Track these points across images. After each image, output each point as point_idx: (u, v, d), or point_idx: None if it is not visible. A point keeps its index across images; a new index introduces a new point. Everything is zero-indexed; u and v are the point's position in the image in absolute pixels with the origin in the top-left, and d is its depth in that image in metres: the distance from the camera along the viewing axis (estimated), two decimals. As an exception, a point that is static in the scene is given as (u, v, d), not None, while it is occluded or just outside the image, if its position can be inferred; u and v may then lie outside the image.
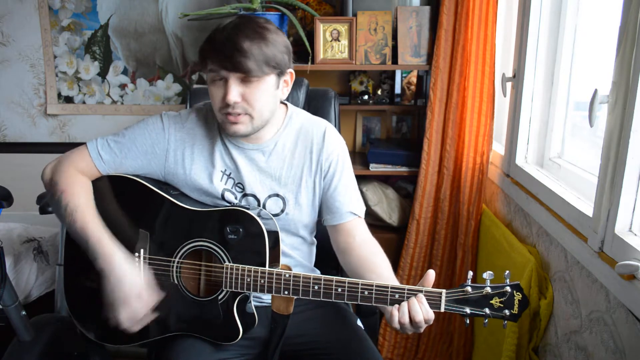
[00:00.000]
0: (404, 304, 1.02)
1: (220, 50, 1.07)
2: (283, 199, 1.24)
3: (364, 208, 1.29)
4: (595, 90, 1.13)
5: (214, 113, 1.20)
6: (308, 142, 1.24)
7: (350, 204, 1.25)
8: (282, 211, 1.23)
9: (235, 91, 1.09)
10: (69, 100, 2.69)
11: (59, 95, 2.68)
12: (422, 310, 1.01)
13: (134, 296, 1.09)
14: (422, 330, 1.03)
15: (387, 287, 1.03)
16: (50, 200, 1.21)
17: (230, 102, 1.09)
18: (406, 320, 1.02)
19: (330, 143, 1.25)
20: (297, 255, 1.29)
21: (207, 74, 1.12)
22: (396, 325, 1.03)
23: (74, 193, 1.16)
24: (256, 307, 1.17)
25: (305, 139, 1.25)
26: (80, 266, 1.24)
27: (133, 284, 1.10)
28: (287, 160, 1.23)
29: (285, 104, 1.29)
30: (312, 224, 1.29)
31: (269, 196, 1.23)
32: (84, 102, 2.69)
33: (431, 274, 1.03)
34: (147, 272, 1.16)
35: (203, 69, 1.13)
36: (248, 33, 1.08)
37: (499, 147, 1.98)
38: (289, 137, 1.24)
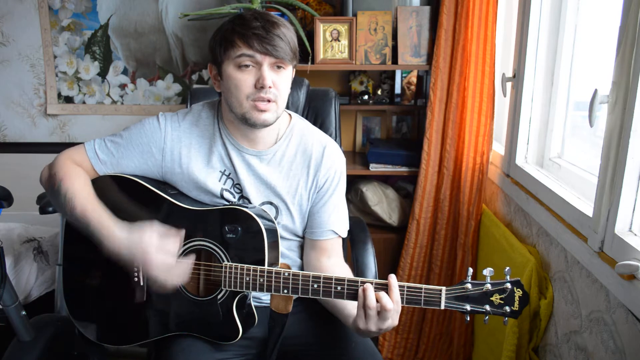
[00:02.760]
0: (372, 296, 1.00)
1: (260, 34, 1.08)
2: (276, 207, 1.24)
3: (346, 229, 1.29)
4: (595, 90, 1.13)
5: (222, 114, 1.22)
6: (307, 157, 1.24)
7: (334, 223, 1.25)
8: (275, 219, 1.24)
9: (270, 75, 1.10)
10: (69, 100, 2.69)
11: (59, 95, 2.68)
12: (383, 300, 1.00)
13: (153, 249, 1.04)
14: (388, 323, 1.02)
15: (386, 285, 1.03)
16: (50, 193, 1.19)
17: (267, 85, 1.09)
18: (374, 309, 1.01)
19: (328, 160, 1.24)
20: (290, 254, 1.30)
21: (233, 60, 1.10)
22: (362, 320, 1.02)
23: (72, 180, 1.15)
24: (255, 307, 1.17)
25: (304, 153, 1.24)
26: (79, 266, 1.24)
27: (146, 247, 1.05)
28: (285, 172, 1.23)
29: (290, 114, 1.29)
30: (302, 232, 1.29)
31: (263, 203, 1.23)
32: (84, 102, 2.69)
33: (391, 277, 1.02)
34: (157, 225, 1.10)
35: (225, 55, 1.11)
36: (279, 21, 1.11)
37: (499, 147, 1.98)
38: (289, 148, 1.24)
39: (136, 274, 1.18)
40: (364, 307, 1.01)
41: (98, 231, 1.09)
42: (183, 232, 1.11)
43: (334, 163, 1.26)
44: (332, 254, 1.26)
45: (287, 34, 1.11)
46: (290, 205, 1.24)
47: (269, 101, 1.11)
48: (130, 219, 1.17)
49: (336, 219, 1.26)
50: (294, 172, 1.24)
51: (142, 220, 1.09)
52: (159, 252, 1.05)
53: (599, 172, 1.14)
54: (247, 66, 1.10)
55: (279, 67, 1.12)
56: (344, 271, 1.25)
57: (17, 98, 2.70)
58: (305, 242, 1.29)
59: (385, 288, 1.02)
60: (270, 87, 1.10)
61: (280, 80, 1.13)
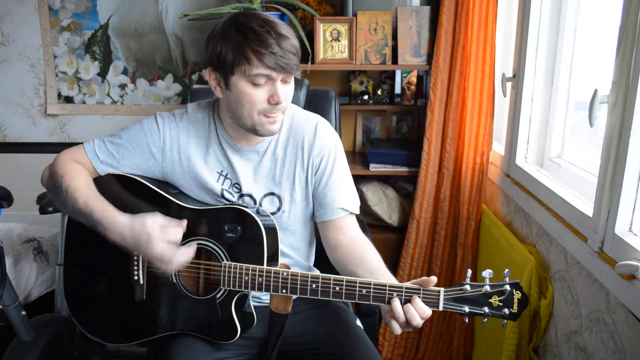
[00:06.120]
0: (400, 311, 1.01)
1: (277, 52, 1.07)
2: (279, 197, 1.24)
3: (357, 204, 1.28)
4: (595, 90, 1.13)
5: (219, 114, 1.23)
6: (299, 138, 1.24)
7: (341, 200, 1.24)
8: (279, 209, 1.24)
9: (282, 90, 1.11)
10: (69, 100, 2.69)
11: (59, 95, 2.68)
12: (418, 312, 1.00)
13: (156, 233, 1.05)
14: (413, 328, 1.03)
15: (385, 286, 1.03)
16: (52, 191, 1.20)
17: (282, 101, 1.11)
18: (404, 326, 1.02)
19: (321, 138, 1.24)
20: (295, 255, 1.29)
21: (247, 76, 1.08)
22: (396, 332, 1.03)
23: (73, 176, 1.17)
24: (255, 307, 1.17)
25: (296, 135, 1.24)
26: (80, 266, 1.24)
27: (148, 227, 1.06)
28: (280, 159, 1.24)
29: None
30: (309, 219, 1.29)
31: (265, 195, 1.24)
32: (84, 102, 2.69)
33: (433, 280, 1.02)
34: (159, 215, 1.10)
35: (238, 68, 1.08)
36: (287, 33, 1.10)
37: (499, 147, 1.98)
38: (281, 134, 1.24)
39: (136, 273, 1.18)
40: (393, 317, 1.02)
41: (101, 219, 1.10)
42: (185, 222, 1.12)
43: (327, 141, 1.25)
44: (348, 230, 1.24)
45: (296, 45, 1.11)
46: (292, 191, 1.24)
47: (277, 113, 1.13)
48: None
49: (343, 196, 1.24)
50: (289, 157, 1.24)
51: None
52: (162, 240, 1.06)
53: (599, 172, 1.14)
54: (261, 83, 1.10)
55: (287, 78, 1.13)
56: (365, 243, 1.23)
57: (17, 98, 2.70)
58: (319, 227, 1.28)
59: (392, 295, 1.02)
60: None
61: (288, 92, 1.14)
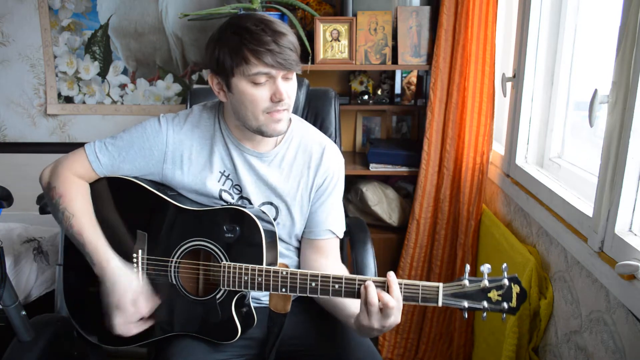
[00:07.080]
0: (373, 295, 1.01)
1: (274, 49, 1.06)
2: (276, 208, 1.24)
3: (343, 230, 1.30)
4: (595, 90, 1.13)
5: (224, 117, 1.22)
6: (307, 157, 1.25)
7: (331, 223, 1.26)
8: (274, 220, 1.24)
9: (284, 87, 1.11)
10: (69, 100, 2.69)
11: (59, 95, 2.69)
12: (392, 294, 1.01)
13: (128, 302, 1.11)
14: (391, 320, 1.02)
15: (384, 282, 1.03)
16: (48, 203, 1.22)
17: (285, 98, 1.10)
18: (380, 319, 1.02)
19: (328, 160, 1.25)
20: (292, 255, 1.30)
21: (246, 77, 1.08)
22: (364, 322, 1.03)
23: (71, 198, 1.17)
24: (255, 307, 1.17)
25: (304, 154, 1.25)
26: (79, 268, 1.24)
27: (127, 290, 1.11)
28: (285, 173, 1.24)
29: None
30: (301, 235, 1.30)
31: (263, 203, 1.24)
32: (84, 102, 2.69)
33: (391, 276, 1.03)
34: (145, 278, 1.17)
35: (237, 70, 1.09)
36: (284, 30, 1.10)
37: (499, 147, 1.98)
38: (289, 150, 1.25)
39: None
40: (366, 304, 1.01)
41: (91, 255, 1.14)
42: (158, 302, 1.16)
43: (333, 164, 1.26)
44: (330, 254, 1.26)
45: (293, 42, 1.11)
46: (291, 206, 1.24)
47: (282, 110, 1.13)
48: (130, 221, 1.19)
49: (334, 219, 1.26)
50: (294, 173, 1.24)
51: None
52: (125, 315, 1.12)
53: (599, 172, 1.14)
54: (262, 82, 1.10)
55: (289, 75, 1.13)
56: (341, 271, 1.26)
57: (17, 98, 2.70)
58: (302, 242, 1.29)
59: (384, 286, 1.03)
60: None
61: (290, 89, 1.14)
